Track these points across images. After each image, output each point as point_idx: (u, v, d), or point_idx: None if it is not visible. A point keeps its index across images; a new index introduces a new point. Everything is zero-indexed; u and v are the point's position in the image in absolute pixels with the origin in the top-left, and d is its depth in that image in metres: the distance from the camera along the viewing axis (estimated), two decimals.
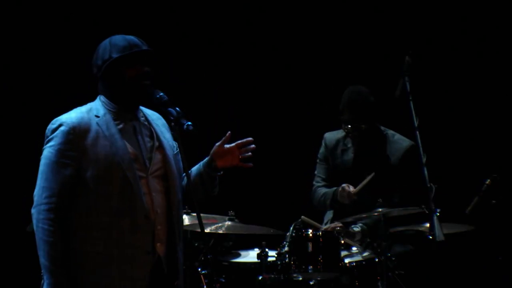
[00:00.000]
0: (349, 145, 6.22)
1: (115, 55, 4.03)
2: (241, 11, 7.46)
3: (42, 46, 7.02)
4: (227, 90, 7.48)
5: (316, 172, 6.33)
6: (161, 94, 4.09)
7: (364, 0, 7.42)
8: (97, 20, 7.01)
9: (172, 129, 4.09)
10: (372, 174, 5.84)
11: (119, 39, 4.08)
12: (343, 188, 5.98)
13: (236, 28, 7.46)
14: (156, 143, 4.13)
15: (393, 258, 5.64)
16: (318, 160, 6.35)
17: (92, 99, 4.15)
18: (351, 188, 5.95)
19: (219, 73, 7.48)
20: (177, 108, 4.07)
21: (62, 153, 3.97)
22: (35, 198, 3.98)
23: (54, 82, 6.99)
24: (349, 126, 6.11)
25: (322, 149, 6.33)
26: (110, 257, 3.97)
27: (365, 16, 7.42)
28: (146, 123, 4.16)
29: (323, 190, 6.21)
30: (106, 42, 4.10)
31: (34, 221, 3.96)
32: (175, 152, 4.17)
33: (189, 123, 4.03)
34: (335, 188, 6.10)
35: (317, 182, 6.30)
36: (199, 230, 4.41)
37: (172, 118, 4.04)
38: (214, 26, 7.44)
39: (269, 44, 7.51)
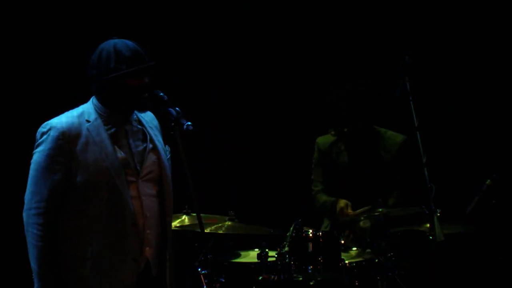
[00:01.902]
0: (343, 147, 6.24)
1: (122, 67, 3.98)
2: (241, 11, 7.46)
3: (40, 46, 7.01)
4: (227, 90, 7.48)
5: (313, 177, 6.35)
6: (161, 94, 4.08)
7: (364, 0, 7.42)
8: (97, 20, 7.00)
9: (172, 129, 4.08)
10: (369, 207, 5.88)
11: (123, 48, 4.02)
12: (341, 209, 6.03)
13: (236, 28, 7.45)
14: (150, 145, 4.13)
15: (393, 258, 5.65)
16: (313, 165, 6.36)
17: (86, 99, 4.14)
18: (349, 210, 6.00)
19: (219, 73, 7.47)
20: (177, 108, 4.07)
21: (51, 158, 3.98)
22: (25, 202, 4.01)
23: (53, 82, 6.99)
24: (342, 127, 6.13)
25: (316, 154, 6.34)
26: (99, 261, 3.99)
27: (365, 16, 7.41)
28: (139, 125, 4.15)
29: (323, 197, 6.25)
30: (109, 47, 4.04)
31: (24, 224, 3.99)
32: (168, 157, 4.17)
33: (189, 123, 4.03)
34: (333, 199, 6.13)
35: (316, 186, 6.32)
36: (199, 230, 4.41)
37: (172, 118, 4.04)
38: (214, 26, 7.43)
39: (269, 44, 7.50)
